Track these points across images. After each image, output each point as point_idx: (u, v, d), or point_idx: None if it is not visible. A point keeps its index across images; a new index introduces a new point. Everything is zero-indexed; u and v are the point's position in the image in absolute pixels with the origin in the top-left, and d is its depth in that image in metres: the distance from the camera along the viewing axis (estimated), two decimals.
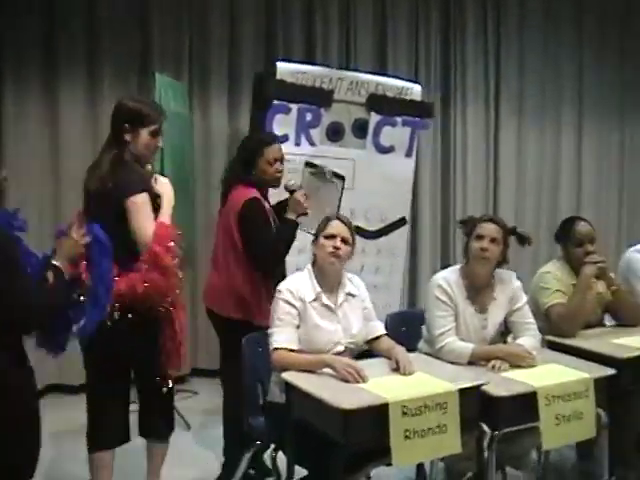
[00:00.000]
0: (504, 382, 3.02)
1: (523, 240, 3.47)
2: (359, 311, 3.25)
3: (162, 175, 3.40)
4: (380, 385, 2.82)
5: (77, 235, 2.80)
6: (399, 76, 5.67)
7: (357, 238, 3.33)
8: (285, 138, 4.71)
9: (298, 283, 3.15)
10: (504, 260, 3.43)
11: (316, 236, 3.23)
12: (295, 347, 3.04)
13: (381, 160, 5.16)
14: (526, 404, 2.93)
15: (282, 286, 3.14)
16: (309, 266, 3.22)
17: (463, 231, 3.49)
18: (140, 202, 2.97)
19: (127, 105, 3.14)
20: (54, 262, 2.63)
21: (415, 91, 5.27)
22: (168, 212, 3.07)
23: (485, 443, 2.92)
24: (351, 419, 2.59)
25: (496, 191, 6.78)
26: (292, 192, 3.75)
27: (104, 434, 3.14)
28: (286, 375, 2.94)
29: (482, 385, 2.90)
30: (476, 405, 2.88)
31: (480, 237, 3.37)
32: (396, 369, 3.01)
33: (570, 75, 6.95)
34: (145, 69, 5.36)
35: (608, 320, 4.02)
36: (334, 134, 4.97)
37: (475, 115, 6.60)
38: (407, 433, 2.65)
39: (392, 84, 5.20)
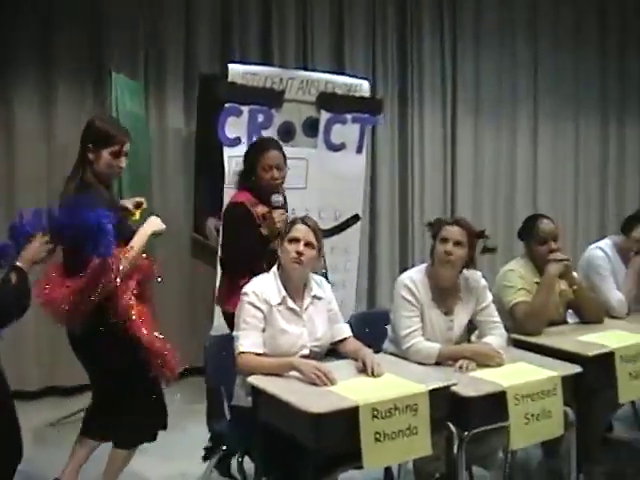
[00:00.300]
0: (473, 382, 3.00)
1: (488, 251, 3.47)
2: (325, 314, 3.22)
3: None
4: (349, 388, 2.78)
5: (41, 242, 2.86)
6: (357, 75, 5.68)
7: None
8: (237, 141, 4.72)
9: (264, 286, 3.11)
10: (471, 263, 3.41)
11: (282, 239, 3.19)
12: (261, 351, 3.00)
13: (332, 158, 5.17)
14: (495, 404, 2.92)
15: (248, 288, 3.10)
16: (275, 269, 3.18)
17: (430, 233, 3.47)
18: None
19: (94, 125, 3.23)
20: (18, 264, 2.75)
21: (364, 87, 5.28)
22: (137, 243, 3.16)
23: (455, 444, 2.91)
24: (320, 423, 2.56)
25: (454, 189, 6.81)
26: (276, 208, 3.76)
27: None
28: (252, 379, 2.89)
29: (452, 386, 2.88)
30: (446, 406, 2.86)
31: (444, 240, 3.35)
32: (363, 371, 2.98)
33: (526, 74, 7.02)
34: (101, 68, 5.24)
35: (570, 317, 4.03)
36: (286, 134, 4.95)
37: (432, 113, 6.61)
38: (377, 436, 2.62)
39: (341, 81, 5.22)
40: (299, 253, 3.08)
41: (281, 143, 4.70)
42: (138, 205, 3.46)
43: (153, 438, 3.36)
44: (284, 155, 3.93)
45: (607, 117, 7.46)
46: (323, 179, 5.04)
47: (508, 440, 3.00)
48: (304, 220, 3.19)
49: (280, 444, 2.77)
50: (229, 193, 4.28)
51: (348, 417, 2.59)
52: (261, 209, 3.79)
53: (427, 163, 6.62)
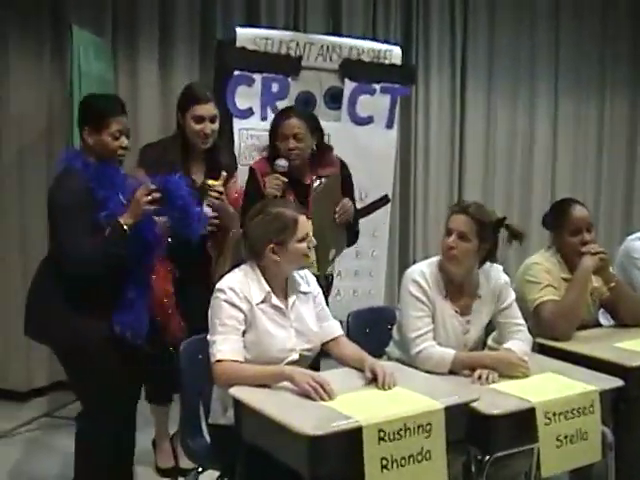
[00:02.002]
0: (495, 397, 2.81)
1: (514, 238, 3.22)
2: (312, 311, 3.03)
3: None
4: (350, 403, 2.56)
5: (140, 195, 3.11)
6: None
7: None
8: (249, 112, 4.73)
9: (242, 282, 2.88)
10: (490, 256, 3.21)
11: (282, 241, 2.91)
12: (242, 359, 2.78)
13: (358, 133, 5.09)
14: (522, 423, 2.74)
15: (223, 284, 2.86)
16: (252, 265, 2.94)
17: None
18: None
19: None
20: (119, 219, 3.09)
21: (395, 54, 5.19)
22: None
23: (474, 469, 2.76)
24: (317, 446, 2.33)
25: (461, 171, 6.68)
26: (276, 172, 3.81)
27: None
28: (235, 390, 2.66)
29: (472, 401, 2.67)
30: (464, 425, 2.67)
31: (448, 231, 3.18)
32: (371, 382, 2.77)
33: (545, 45, 6.88)
34: (60, 23, 4.97)
35: (602, 318, 3.87)
36: (305, 105, 4.86)
37: (439, 88, 6.45)
38: (384, 462, 2.41)
39: (368, 47, 5.13)
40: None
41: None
42: None
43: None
44: (310, 124, 3.91)
45: (636, 95, 7.31)
46: (347, 156, 4.79)
47: (533, 464, 2.88)
48: (303, 211, 3.02)
49: (269, 470, 2.56)
50: (240, 170, 4.21)
51: (349, 439, 2.38)
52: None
53: (432, 143, 6.47)
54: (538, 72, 6.87)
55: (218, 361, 2.75)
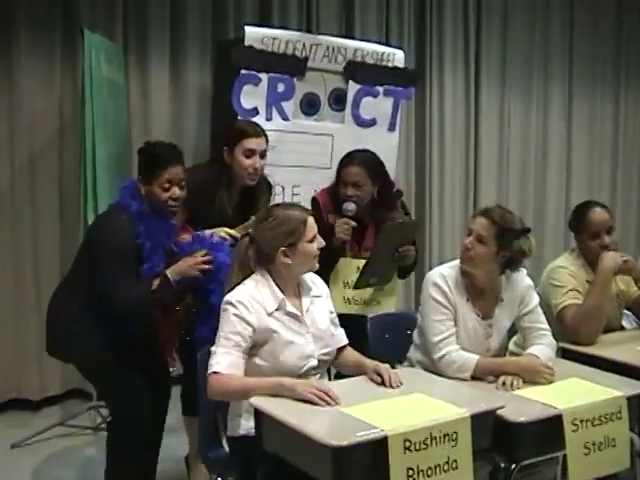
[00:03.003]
0: (520, 403, 2.76)
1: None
2: (326, 315, 2.99)
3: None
4: (372, 412, 2.51)
5: (197, 260, 3.29)
6: (366, 38, 5.55)
7: None
8: (255, 112, 4.71)
9: (254, 293, 2.83)
10: (511, 265, 3.15)
11: (292, 243, 2.86)
12: (239, 374, 2.74)
13: (362, 135, 5.06)
14: (548, 430, 2.67)
15: (232, 297, 2.79)
16: (262, 273, 2.89)
17: None
18: None
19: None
20: (166, 272, 3.23)
21: (398, 57, 5.21)
22: None
23: (501, 478, 2.68)
24: (342, 457, 2.28)
25: (477, 170, 6.66)
26: (343, 216, 3.83)
27: None
28: (255, 400, 2.61)
29: (499, 409, 2.61)
30: (489, 434, 2.61)
31: (468, 232, 3.16)
32: (380, 385, 2.78)
33: (559, 45, 6.86)
34: (71, 26, 4.93)
35: (625, 321, 3.84)
36: (309, 107, 4.97)
37: (453, 86, 6.43)
38: (410, 472, 2.35)
39: (372, 49, 5.14)
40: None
41: (304, 116, 4.88)
42: None
43: None
44: (372, 170, 3.87)
45: None
46: None
47: (559, 472, 2.84)
48: (309, 211, 3.00)
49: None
50: None
51: (374, 449, 2.32)
52: (331, 218, 3.86)
53: (447, 141, 6.44)
54: (552, 72, 6.85)
55: (214, 373, 2.70)
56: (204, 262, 3.29)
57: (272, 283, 2.86)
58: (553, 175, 6.93)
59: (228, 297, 2.80)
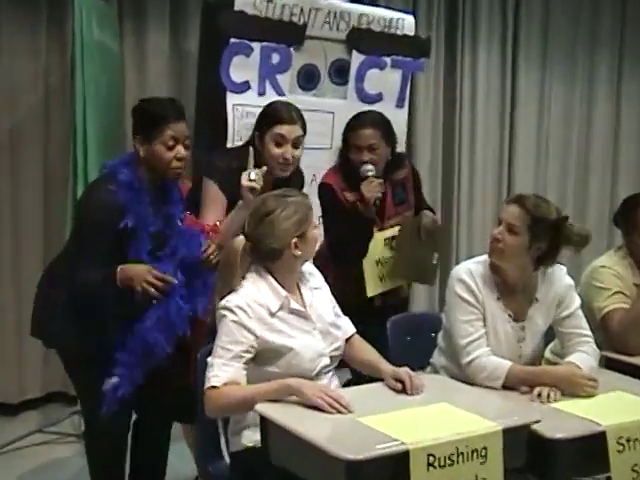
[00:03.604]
0: (558, 418, 2.78)
1: (572, 241, 3.16)
2: (329, 306, 3.05)
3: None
4: (391, 423, 2.52)
5: (146, 277, 3.09)
6: (393, 7, 5.52)
7: None
8: (245, 86, 4.67)
9: (253, 295, 2.84)
10: (546, 260, 3.16)
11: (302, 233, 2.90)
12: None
13: None
14: (589, 449, 2.67)
15: (230, 303, 2.80)
16: (259, 271, 2.91)
17: None
18: None
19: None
20: (117, 269, 3.09)
21: (407, 23, 5.18)
22: None
23: None
24: (357, 472, 2.29)
25: (511, 155, 6.72)
26: (365, 179, 3.89)
27: None
28: (260, 407, 2.63)
29: (533, 423, 2.62)
30: (523, 451, 2.62)
31: (499, 221, 3.19)
32: (400, 392, 2.80)
33: (608, 19, 6.85)
34: None
35: None
36: (307, 80, 4.93)
37: (488, 60, 6.48)
38: None
39: (379, 15, 5.10)
40: None
41: (301, 91, 4.81)
42: None
43: None
44: (384, 131, 3.97)
45: None
46: None
47: None
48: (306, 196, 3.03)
49: None
50: None
51: (393, 465, 2.34)
52: (350, 196, 3.92)
53: (479, 122, 6.50)
54: (599, 49, 6.85)
55: (212, 387, 2.72)
56: (155, 286, 3.11)
57: (272, 280, 2.89)
58: (597, 163, 6.98)
59: (225, 302, 2.82)
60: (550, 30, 6.65)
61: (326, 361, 2.89)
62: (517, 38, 6.55)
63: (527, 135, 6.69)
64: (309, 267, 3.08)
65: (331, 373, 2.93)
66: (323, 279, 3.12)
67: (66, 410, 4.87)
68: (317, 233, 2.97)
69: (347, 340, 3.04)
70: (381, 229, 4.01)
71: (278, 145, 3.57)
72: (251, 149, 3.51)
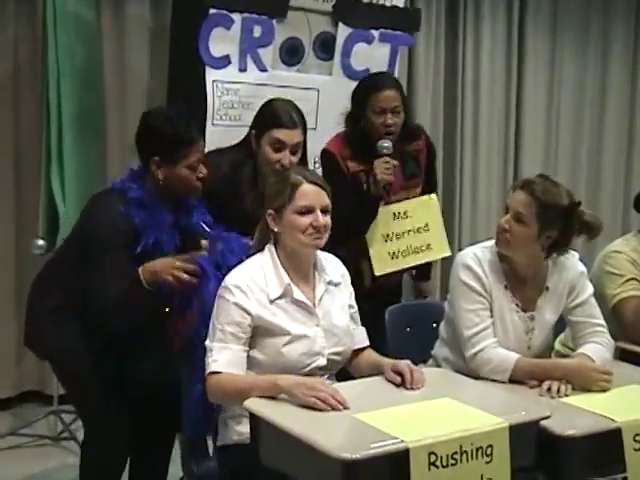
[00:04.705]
0: (569, 413, 2.80)
1: (585, 228, 3.17)
2: (344, 308, 3.04)
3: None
4: (390, 419, 2.53)
5: (174, 264, 3.08)
6: None
7: None
8: (226, 61, 4.70)
9: (255, 275, 2.88)
10: (557, 248, 3.17)
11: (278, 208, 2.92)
12: (240, 372, 2.80)
13: (353, 88, 4.99)
14: (603, 447, 2.68)
15: (229, 281, 2.86)
16: (270, 249, 2.95)
17: None
18: None
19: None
20: (139, 269, 3.09)
21: None
22: None
23: None
24: (354, 472, 2.30)
25: (518, 134, 6.74)
26: (381, 156, 3.92)
27: None
28: (249, 403, 2.65)
29: (543, 419, 2.63)
30: (532, 449, 2.63)
31: (506, 209, 3.19)
32: (399, 386, 2.81)
33: None
34: None
35: None
36: (290, 55, 4.98)
37: (492, 34, 6.50)
38: None
39: None
40: (316, 227, 2.87)
41: (284, 67, 4.91)
42: None
43: None
44: (403, 96, 4.05)
45: None
46: (339, 117, 4.72)
47: None
48: (311, 179, 2.94)
49: None
50: (213, 131, 4.32)
51: (392, 464, 2.35)
52: (354, 166, 3.96)
53: (483, 102, 6.54)
54: (614, 15, 6.86)
55: (213, 373, 2.77)
56: (186, 271, 3.09)
57: (278, 264, 2.91)
58: (611, 139, 7.00)
59: (226, 281, 2.86)
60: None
61: (322, 361, 2.89)
62: (524, 9, 6.56)
63: (535, 113, 6.73)
64: (335, 261, 3.10)
65: (326, 376, 2.92)
66: (350, 279, 3.12)
67: (41, 410, 4.87)
68: (299, 221, 2.86)
69: (358, 352, 3.05)
70: (387, 203, 4.03)
71: (276, 150, 3.56)
72: None
